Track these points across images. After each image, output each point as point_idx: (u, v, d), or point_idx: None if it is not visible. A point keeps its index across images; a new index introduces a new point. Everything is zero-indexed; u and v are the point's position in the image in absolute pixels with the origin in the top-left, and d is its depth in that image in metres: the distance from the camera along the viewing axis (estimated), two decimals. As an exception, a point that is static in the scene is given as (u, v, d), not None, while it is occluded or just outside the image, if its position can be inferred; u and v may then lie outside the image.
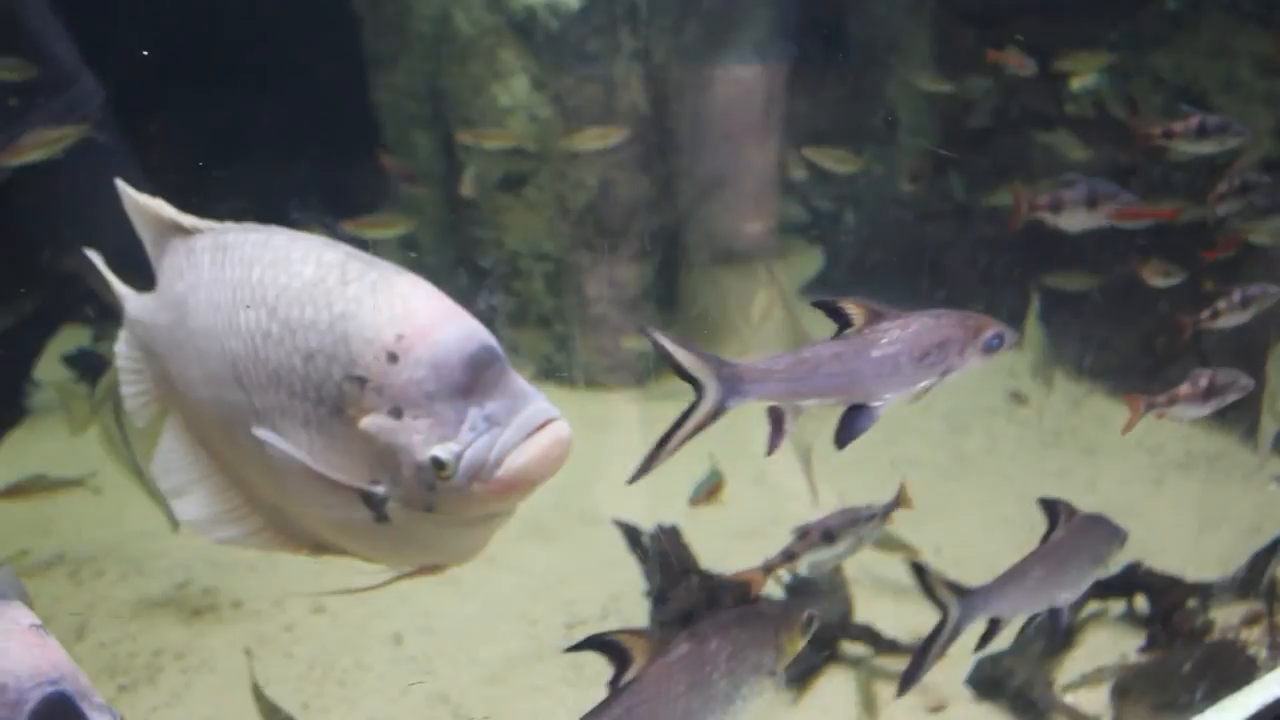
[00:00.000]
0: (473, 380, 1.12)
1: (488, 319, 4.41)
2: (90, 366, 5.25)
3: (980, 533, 4.05)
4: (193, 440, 1.49)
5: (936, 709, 3.45)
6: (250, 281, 1.24)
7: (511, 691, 3.38)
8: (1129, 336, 5.32)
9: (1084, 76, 5.42)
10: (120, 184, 1.50)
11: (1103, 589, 3.79)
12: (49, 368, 5.18)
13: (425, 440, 1.12)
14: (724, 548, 3.51)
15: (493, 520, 1.23)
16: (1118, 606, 3.84)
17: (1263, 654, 3.50)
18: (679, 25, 5.49)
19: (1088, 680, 3.52)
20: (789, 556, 2.69)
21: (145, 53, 4.21)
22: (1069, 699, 3.44)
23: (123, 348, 1.61)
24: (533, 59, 5.19)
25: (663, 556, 3.42)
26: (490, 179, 5.35)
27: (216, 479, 1.47)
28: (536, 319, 5.40)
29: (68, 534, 4.15)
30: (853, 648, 3.59)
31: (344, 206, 5.67)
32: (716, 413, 1.70)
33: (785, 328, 3.74)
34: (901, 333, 1.88)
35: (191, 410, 1.41)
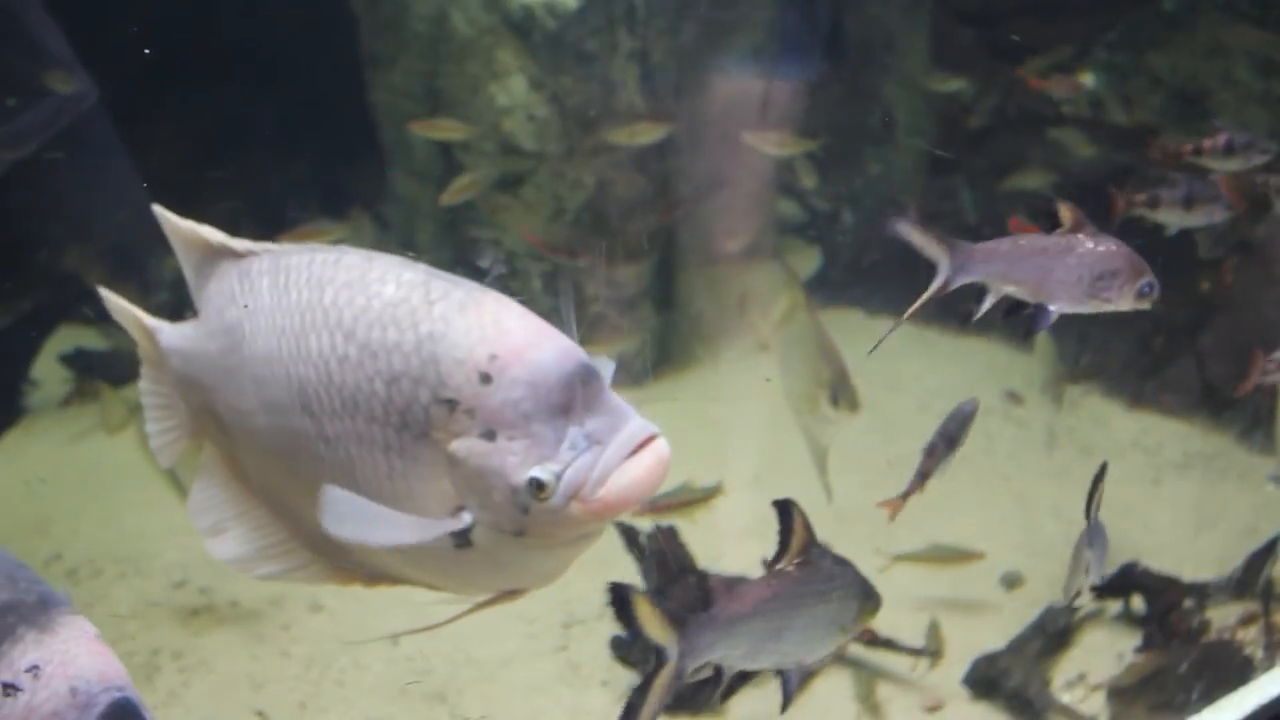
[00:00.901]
0: (572, 398, 1.10)
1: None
2: (88, 366, 5.25)
3: (978, 532, 4.05)
4: (231, 476, 1.45)
5: (933, 709, 3.46)
6: (322, 304, 1.19)
7: (508, 691, 3.38)
8: (1125, 336, 5.33)
9: (1081, 76, 5.43)
10: (158, 209, 1.46)
11: (1100, 589, 3.80)
12: (47, 367, 5.18)
13: (522, 462, 1.09)
14: (721, 548, 3.51)
15: (583, 541, 1.20)
16: (1114, 606, 3.85)
17: (1259, 654, 3.51)
18: (676, 26, 5.49)
19: (1084, 680, 3.52)
20: (924, 476, 2.84)
21: (140, 52, 4.21)
22: (1065, 699, 3.45)
23: (148, 384, 1.55)
24: (530, 59, 5.19)
25: (660, 556, 3.43)
26: (487, 180, 5.35)
27: (258, 514, 1.43)
28: (534, 319, 5.40)
29: (64, 534, 4.15)
30: (852, 647, 3.59)
31: (341, 205, 5.68)
32: (947, 285, 2.05)
33: (808, 328, 3.78)
34: (1091, 247, 2.04)
35: (240, 441, 1.36)
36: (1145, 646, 3.63)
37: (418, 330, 1.13)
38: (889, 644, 3.58)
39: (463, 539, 1.15)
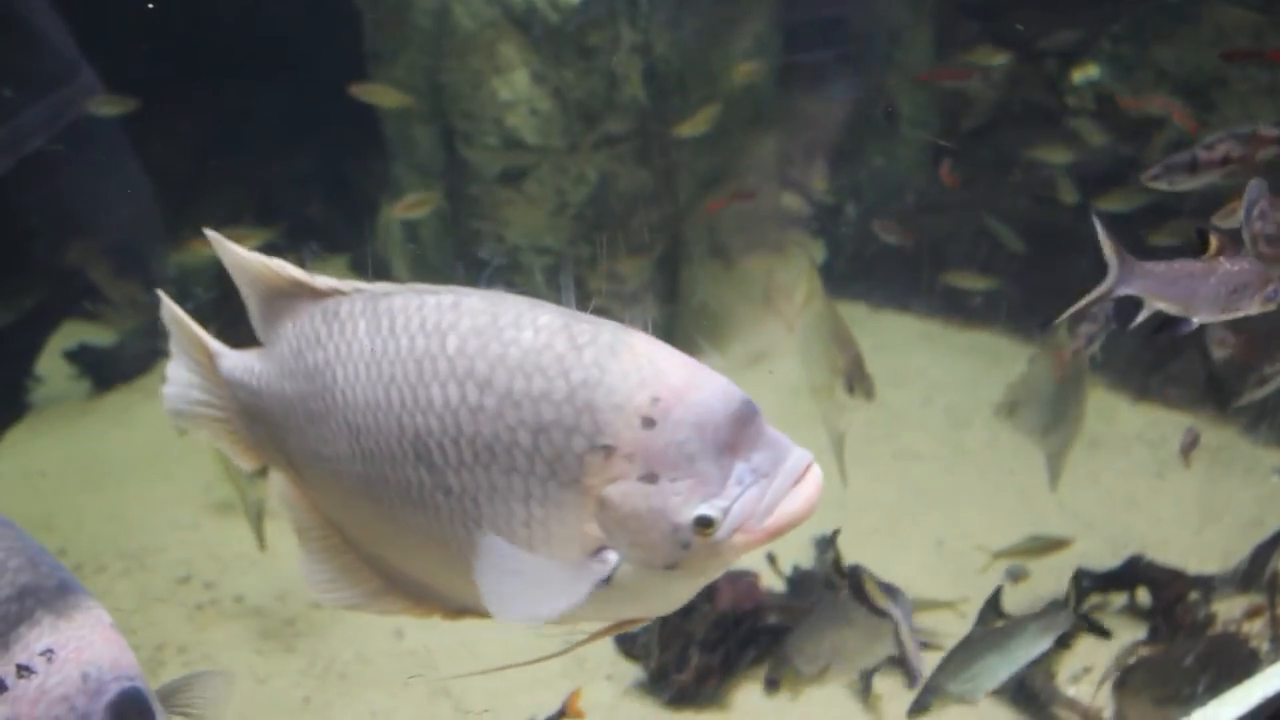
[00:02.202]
0: (737, 436, 1.08)
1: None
2: (92, 362, 5.26)
3: (981, 526, 4.05)
4: (300, 498, 1.42)
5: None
6: (445, 352, 1.15)
7: (512, 685, 3.38)
8: (1131, 330, 5.31)
9: (1086, 69, 5.42)
10: (217, 237, 1.40)
11: (1105, 582, 3.79)
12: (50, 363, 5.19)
13: (686, 501, 1.08)
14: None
15: (726, 567, 1.20)
16: (1119, 600, 3.84)
17: (1264, 647, 3.50)
18: (679, 19, 5.48)
19: (1089, 673, 3.52)
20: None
21: (144, 47, 4.21)
22: (1070, 692, 3.45)
23: (203, 398, 1.49)
24: (533, 53, 5.18)
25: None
26: (490, 173, 5.35)
27: (331, 539, 1.40)
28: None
29: (69, 529, 4.16)
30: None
31: (342, 200, 5.68)
32: (1109, 293, 2.37)
33: (824, 316, 3.81)
34: (1229, 268, 2.38)
35: (318, 481, 1.32)
36: (1151, 640, 3.63)
37: (569, 378, 1.09)
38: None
39: (603, 579, 1.14)
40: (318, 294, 1.29)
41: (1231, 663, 3.36)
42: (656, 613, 1.22)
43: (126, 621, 3.72)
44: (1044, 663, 3.45)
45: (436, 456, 1.15)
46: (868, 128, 6.20)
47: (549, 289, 5.36)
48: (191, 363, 1.49)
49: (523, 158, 5.28)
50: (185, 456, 4.53)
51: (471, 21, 5.25)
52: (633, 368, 1.08)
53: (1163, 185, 3.54)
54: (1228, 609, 3.67)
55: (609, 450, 1.08)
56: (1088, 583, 3.79)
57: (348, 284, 1.28)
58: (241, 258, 1.40)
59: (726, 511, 1.08)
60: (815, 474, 1.10)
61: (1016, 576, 4.01)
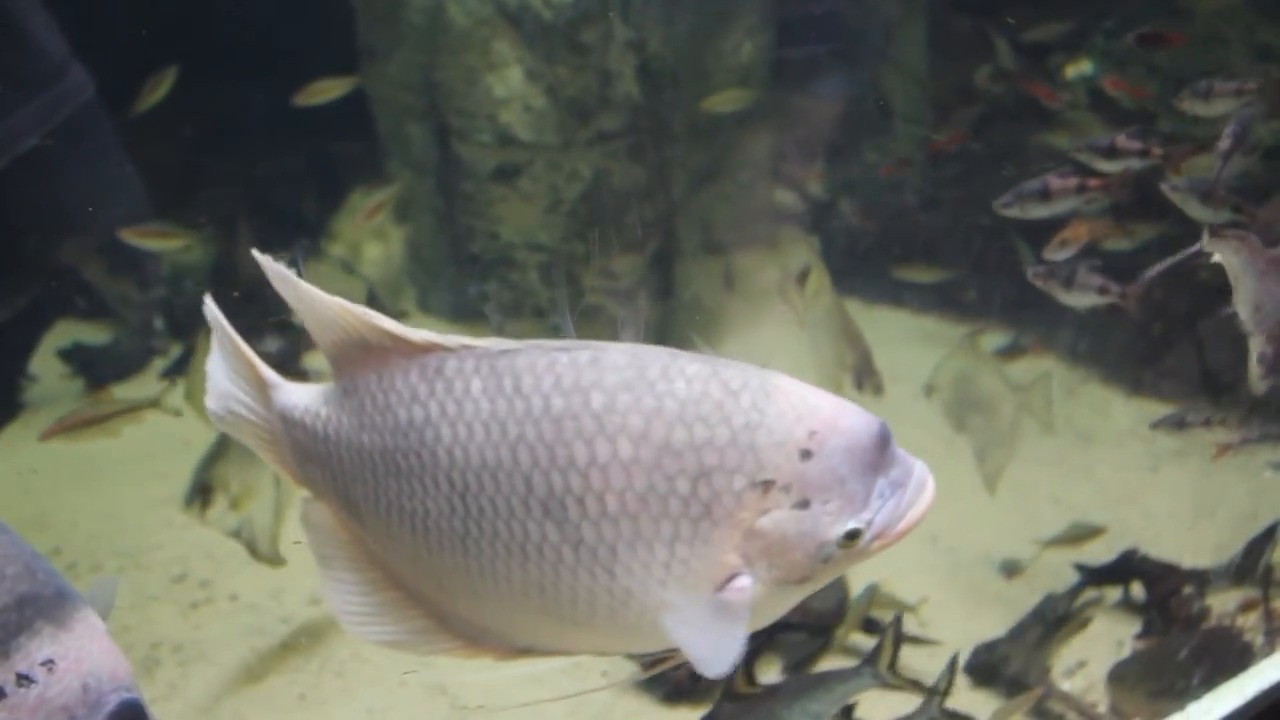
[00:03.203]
0: (879, 456, 1.18)
1: (477, 306, 4.43)
2: (86, 361, 5.25)
3: (977, 520, 4.06)
4: (341, 530, 1.39)
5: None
6: (590, 410, 1.17)
7: (509, 682, 3.38)
8: (1124, 322, 5.32)
9: (1079, 64, 5.42)
10: (284, 276, 1.31)
11: (1099, 576, 3.80)
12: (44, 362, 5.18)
13: (835, 519, 1.17)
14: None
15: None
16: (1114, 594, 3.85)
17: (1258, 640, 3.51)
18: (672, 15, 5.48)
19: (1084, 666, 3.53)
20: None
21: (136, 44, 4.20)
22: (1065, 685, 3.46)
23: (245, 414, 1.43)
24: (527, 50, 5.18)
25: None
26: (484, 170, 5.35)
27: (371, 575, 1.38)
28: (532, 310, 5.40)
29: (64, 528, 4.15)
30: (852, 636, 3.60)
31: (338, 196, 5.67)
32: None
33: (833, 312, 3.83)
34: None
35: (391, 531, 1.31)
36: (1145, 633, 3.64)
37: (731, 424, 1.15)
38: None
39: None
40: (413, 347, 1.27)
41: (1225, 656, 3.37)
42: (757, 628, 1.27)
43: (122, 619, 3.72)
44: (1038, 656, 3.46)
45: (572, 513, 1.18)
46: (861, 123, 6.21)
47: (543, 286, 5.36)
48: (240, 382, 1.43)
49: (516, 154, 5.28)
50: (180, 455, 4.52)
51: (465, 18, 5.24)
52: (787, 406, 1.16)
53: (1015, 213, 3.61)
54: (1222, 603, 3.68)
55: (768, 485, 1.15)
56: (1083, 577, 3.81)
57: (451, 339, 1.27)
58: (315, 300, 1.31)
59: (870, 523, 1.17)
60: (931, 479, 1.22)
61: (1011, 571, 4.03)
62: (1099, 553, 3.86)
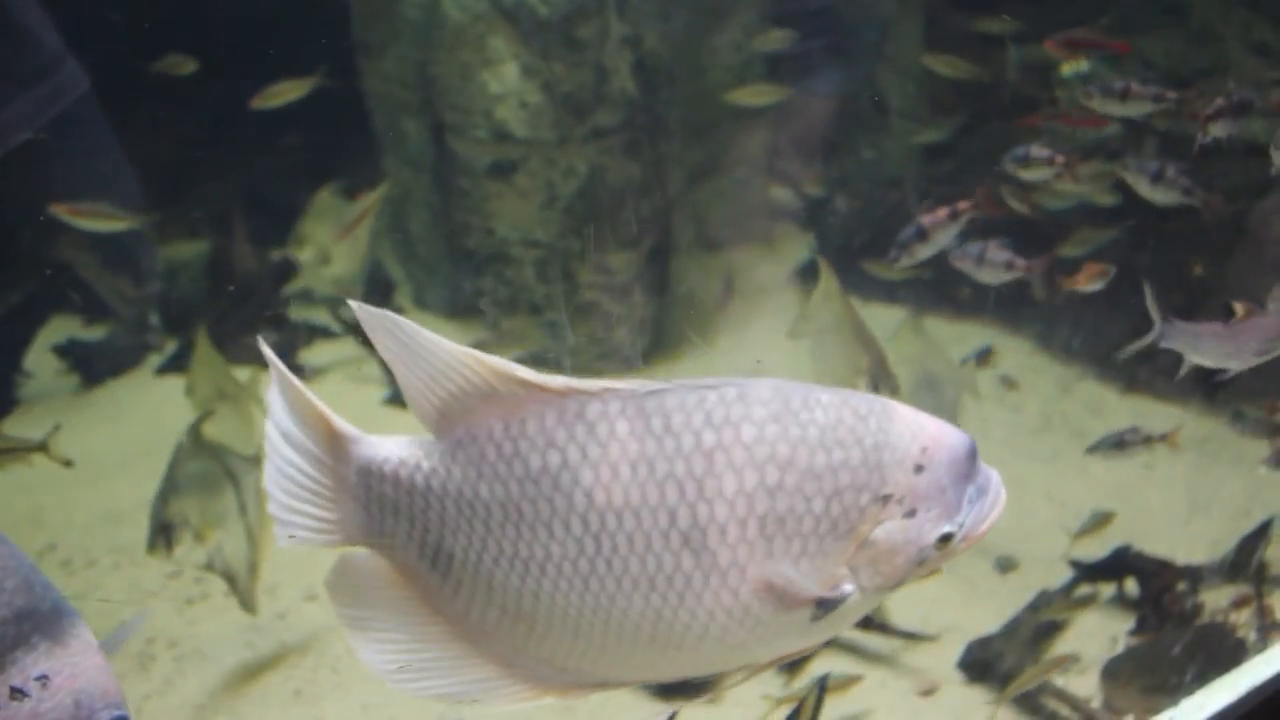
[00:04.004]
0: (970, 466, 1.30)
1: (473, 302, 4.42)
2: (81, 357, 5.25)
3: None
4: (394, 587, 1.39)
5: (927, 693, 3.48)
6: (741, 442, 1.25)
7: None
8: (1119, 319, 5.33)
9: (1075, 62, 5.42)
10: (393, 320, 1.31)
11: (1093, 572, 3.81)
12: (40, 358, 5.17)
13: (934, 526, 1.28)
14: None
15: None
16: (1108, 590, 3.86)
17: (1251, 636, 3.53)
18: (668, 11, 5.48)
19: (1078, 662, 3.54)
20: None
21: (131, 39, 4.20)
22: (1059, 681, 3.46)
23: (295, 475, 1.39)
24: (523, 46, 5.18)
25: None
26: (479, 166, 5.35)
27: (430, 629, 1.39)
28: (527, 306, 5.40)
29: (59, 524, 4.15)
30: (847, 631, 3.60)
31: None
32: (1155, 344, 2.99)
33: (845, 315, 3.84)
34: (1259, 322, 2.87)
35: (493, 582, 1.33)
36: (1139, 629, 3.65)
37: (863, 445, 1.26)
38: (883, 628, 3.60)
39: (828, 610, 1.30)
40: (549, 393, 1.29)
41: (1219, 652, 3.38)
42: (834, 635, 1.39)
43: (117, 615, 3.72)
44: (1032, 652, 3.47)
45: (712, 540, 1.26)
46: (857, 120, 6.21)
47: (539, 282, 5.36)
48: (303, 436, 1.40)
49: (512, 151, 5.28)
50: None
51: (461, 14, 5.24)
52: (904, 426, 1.28)
53: (905, 261, 3.71)
54: (1215, 599, 3.69)
55: (887, 498, 1.27)
56: (1077, 573, 3.82)
57: (591, 383, 1.29)
58: (433, 350, 1.32)
59: (961, 526, 1.30)
60: (1002, 486, 1.35)
61: (1005, 568, 4.03)
62: (1093, 549, 3.87)
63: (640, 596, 1.29)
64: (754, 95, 5.36)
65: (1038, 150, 4.16)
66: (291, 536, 1.40)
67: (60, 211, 4.19)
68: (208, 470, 3.50)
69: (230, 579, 3.43)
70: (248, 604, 3.43)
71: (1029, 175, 4.24)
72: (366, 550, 1.40)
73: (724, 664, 1.38)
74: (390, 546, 1.38)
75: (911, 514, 1.28)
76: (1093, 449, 3.90)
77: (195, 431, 3.64)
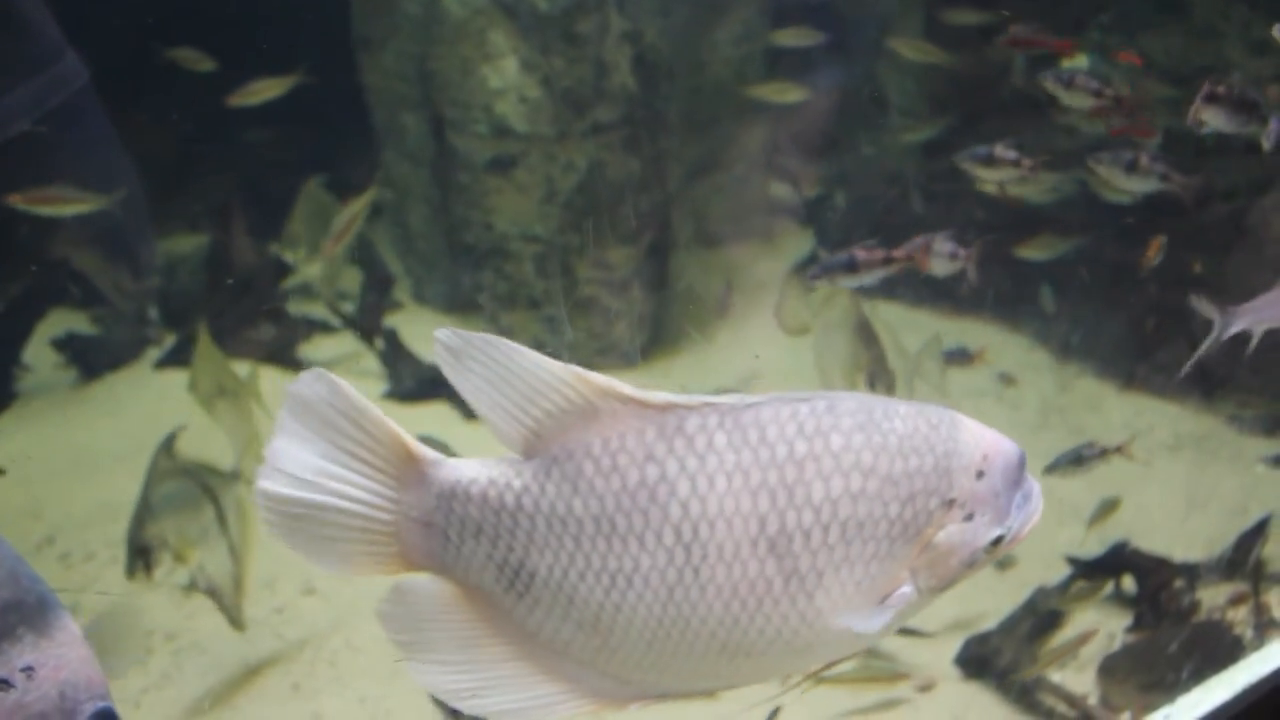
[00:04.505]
0: (1019, 473, 1.37)
1: (472, 298, 4.41)
2: (79, 351, 5.25)
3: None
4: (469, 611, 1.40)
5: (925, 688, 3.48)
6: (830, 450, 1.32)
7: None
8: (1117, 317, 5.33)
9: (1074, 58, 5.42)
10: (522, 357, 1.33)
11: (1091, 569, 3.82)
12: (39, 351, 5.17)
13: (987, 529, 1.34)
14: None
15: None
16: (1106, 587, 3.86)
17: (1248, 634, 3.53)
18: (668, 6, 5.48)
19: (1075, 659, 3.54)
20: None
21: (130, 31, 4.19)
22: (1056, 677, 3.47)
23: (351, 490, 1.36)
24: (522, 41, 5.17)
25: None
26: (479, 160, 5.34)
27: (495, 649, 1.40)
28: (526, 301, 5.40)
29: (58, 518, 4.15)
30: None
31: (330, 187, 5.66)
32: (1219, 339, 3.12)
33: (850, 313, 3.86)
34: None
35: (573, 598, 1.36)
36: (1136, 626, 3.66)
37: (935, 452, 1.33)
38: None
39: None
40: (650, 409, 1.33)
41: (1216, 649, 3.38)
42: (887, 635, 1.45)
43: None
44: (1029, 649, 3.48)
45: (797, 545, 1.31)
46: (857, 116, 6.21)
47: (538, 277, 5.36)
48: (365, 461, 1.37)
49: (512, 145, 5.28)
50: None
51: (460, 9, 5.23)
52: (968, 434, 1.35)
53: (824, 284, 3.74)
54: (1212, 596, 3.70)
55: (951, 503, 1.33)
56: (1075, 570, 3.82)
57: (691, 398, 1.34)
58: (531, 369, 1.34)
59: (1011, 528, 1.36)
60: (1040, 492, 1.41)
61: (1003, 564, 4.04)
62: (1090, 546, 3.88)
63: (721, 604, 1.33)
64: (773, 92, 5.37)
65: (1002, 151, 4.22)
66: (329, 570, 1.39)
67: (17, 201, 4.17)
68: (183, 489, 3.47)
69: (216, 597, 3.40)
70: (235, 620, 3.39)
71: (990, 175, 4.32)
72: (425, 576, 1.39)
73: (785, 670, 1.42)
74: (463, 569, 1.38)
75: (970, 518, 1.34)
76: (1050, 469, 3.92)
77: (168, 451, 3.59)
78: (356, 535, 1.37)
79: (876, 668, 3.39)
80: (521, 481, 1.35)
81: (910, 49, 5.44)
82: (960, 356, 5.31)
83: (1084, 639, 3.43)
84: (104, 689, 1.28)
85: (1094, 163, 4.11)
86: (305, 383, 1.34)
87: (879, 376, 3.79)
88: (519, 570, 1.37)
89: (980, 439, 1.36)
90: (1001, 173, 4.26)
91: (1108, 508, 3.98)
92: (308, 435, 1.35)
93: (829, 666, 1.43)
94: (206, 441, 4.21)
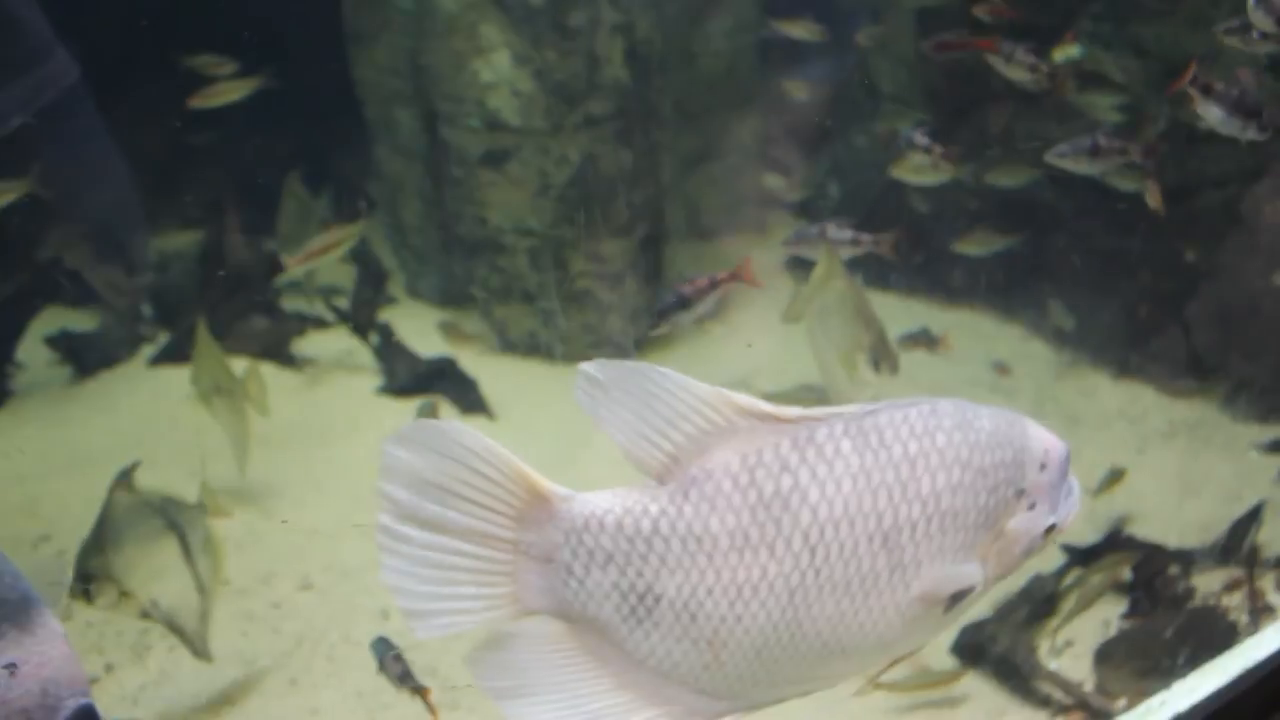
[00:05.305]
0: (1068, 465, 1.49)
1: (465, 291, 4.40)
2: (73, 348, 5.24)
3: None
4: (572, 644, 1.42)
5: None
6: (936, 447, 1.42)
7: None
8: (1111, 305, 5.34)
9: (1066, 48, 5.42)
10: (671, 382, 1.36)
11: (1086, 556, 3.83)
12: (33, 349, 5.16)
13: (1044, 518, 1.46)
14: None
15: None
16: (1102, 574, 3.87)
17: (1243, 619, 3.55)
18: (660, -2, 5.48)
19: (1071, 646, 3.55)
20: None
21: (121, 27, 4.19)
22: (1052, 665, 3.48)
23: (471, 529, 1.36)
24: (514, 34, 5.17)
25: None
26: (472, 155, 5.34)
27: (597, 684, 1.43)
28: (520, 294, 5.40)
29: (53, 515, 4.14)
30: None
31: (323, 182, 5.66)
32: None
33: (847, 294, 3.86)
34: None
35: (699, 613, 1.39)
36: (1131, 613, 3.67)
37: (1013, 445, 1.44)
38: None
39: (960, 600, 1.45)
40: (786, 422, 1.40)
41: (1211, 635, 3.40)
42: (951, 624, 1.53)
43: (112, 606, 3.72)
44: (1026, 636, 3.49)
45: (906, 538, 1.40)
46: (850, 106, 6.21)
47: (532, 270, 5.36)
48: (467, 511, 1.37)
49: (504, 139, 5.27)
50: (169, 440, 4.52)
51: (452, 2, 5.22)
52: (1035, 430, 1.48)
53: (665, 329, 3.83)
54: (1207, 582, 3.71)
55: (1022, 493, 1.45)
56: (1070, 557, 3.83)
57: (819, 411, 1.42)
58: (679, 388, 1.38)
59: (1063, 517, 1.48)
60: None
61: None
62: (1085, 534, 3.89)
63: (834, 601, 1.40)
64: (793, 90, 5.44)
65: (920, 137, 4.39)
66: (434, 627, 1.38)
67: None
68: (140, 521, 3.38)
69: (176, 630, 3.27)
70: (200, 652, 3.26)
71: (904, 166, 4.47)
72: (528, 620, 1.40)
73: (869, 665, 1.49)
74: (580, 603, 1.39)
75: (1033, 506, 1.45)
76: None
77: (126, 483, 3.49)
78: (474, 581, 1.38)
79: (929, 672, 3.41)
80: (658, 506, 1.38)
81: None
82: (923, 339, 5.31)
83: (1113, 579, 3.49)
84: (85, 686, 1.29)
85: (1055, 158, 4.16)
86: (411, 433, 1.34)
87: (881, 356, 3.79)
88: (644, 595, 1.39)
89: (1041, 434, 1.48)
90: (916, 160, 4.46)
91: (1114, 478, 4.00)
92: (417, 486, 1.35)
93: (899, 660, 1.51)
94: (206, 441, 4.22)
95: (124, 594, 3.21)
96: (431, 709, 2.95)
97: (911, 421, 1.43)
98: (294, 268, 4.71)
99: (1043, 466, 1.47)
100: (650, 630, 1.40)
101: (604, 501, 1.39)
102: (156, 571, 3.28)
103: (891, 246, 4.27)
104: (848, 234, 4.18)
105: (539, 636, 1.42)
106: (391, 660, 2.98)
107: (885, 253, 4.26)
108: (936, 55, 5.14)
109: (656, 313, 3.82)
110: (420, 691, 2.95)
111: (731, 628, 1.40)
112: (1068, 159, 4.15)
